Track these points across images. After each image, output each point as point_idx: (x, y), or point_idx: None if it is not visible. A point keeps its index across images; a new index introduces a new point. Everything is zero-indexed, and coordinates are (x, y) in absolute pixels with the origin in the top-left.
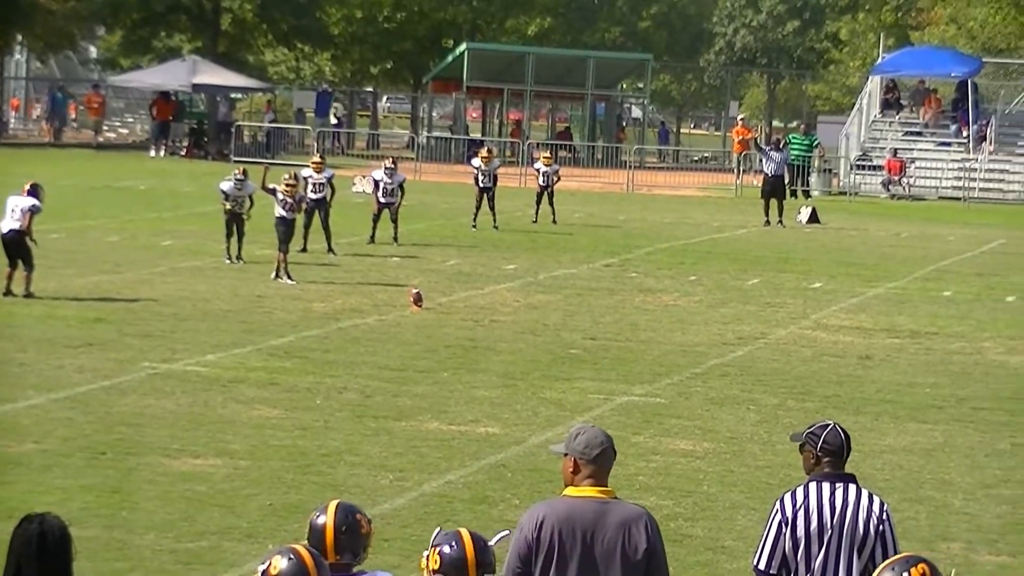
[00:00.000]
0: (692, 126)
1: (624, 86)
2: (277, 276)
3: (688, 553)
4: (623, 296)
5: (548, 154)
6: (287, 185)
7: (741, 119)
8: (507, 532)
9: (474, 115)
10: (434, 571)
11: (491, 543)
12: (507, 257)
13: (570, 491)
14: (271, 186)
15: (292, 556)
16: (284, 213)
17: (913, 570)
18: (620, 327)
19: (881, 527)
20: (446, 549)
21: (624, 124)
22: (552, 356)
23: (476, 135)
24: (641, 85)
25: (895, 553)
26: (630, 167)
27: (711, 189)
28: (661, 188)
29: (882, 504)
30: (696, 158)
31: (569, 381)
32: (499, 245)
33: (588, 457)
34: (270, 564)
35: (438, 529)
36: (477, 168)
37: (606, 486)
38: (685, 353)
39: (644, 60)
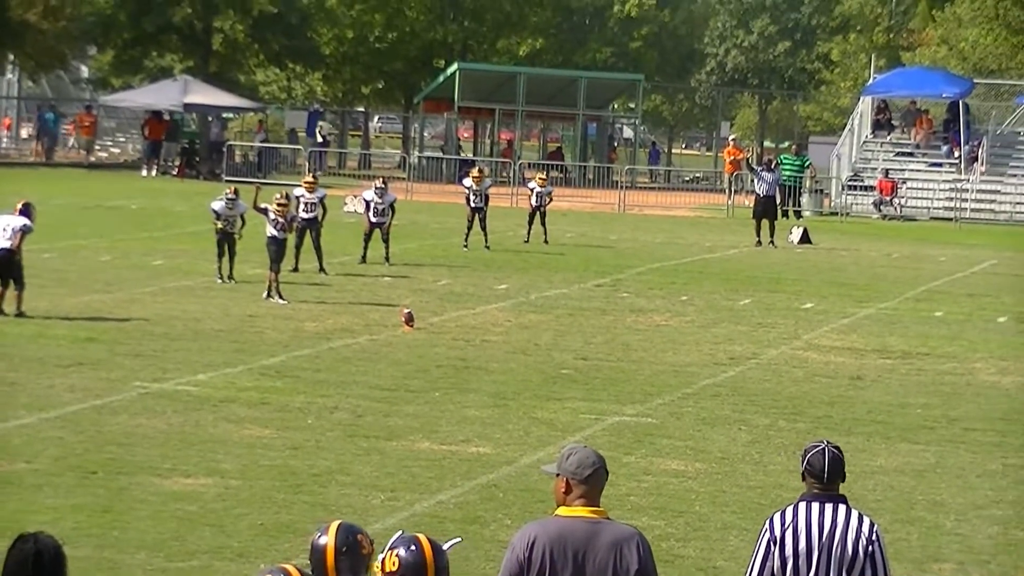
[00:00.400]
0: (683, 146)
1: (615, 106)
2: (268, 296)
3: (680, 574)
4: (614, 316)
5: (543, 175)
6: (278, 205)
7: (732, 139)
8: (459, 540)
9: (465, 135)
10: (390, 573)
11: (444, 547)
12: (498, 277)
13: (562, 511)
14: (263, 206)
15: (414, 546)
16: (275, 233)
17: None
18: (611, 347)
19: (870, 548)
20: (404, 553)
21: (616, 144)
22: (543, 376)
23: (467, 155)
24: (632, 105)
25: (884, 574)
26: (621, 187)
27: (702, 209)
28: (652, 208)
29: (872, 525)
30: (687, 178)
31: (560, 401)
32: (490, 265)
33: (580, 477)
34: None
35: (399, 532)
36: (468, 188)
37: (598, 506)
38: (676, 373)
39: (635, 80)
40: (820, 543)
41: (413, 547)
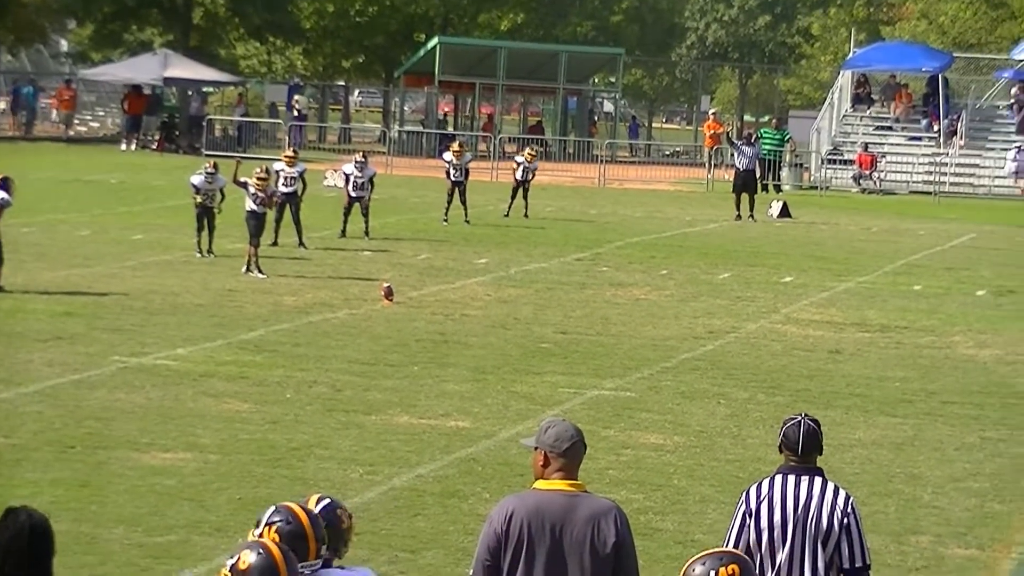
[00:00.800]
0: (664, 120)
1: (596, 80)
2: (248, 270)
3: (658, 547)
4: (594, 290)
5: (532, 149)
6: (258, 179)
7: (713, 113)
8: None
9: (446, 109)
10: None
11: None
12: (478, 251)
13: (540, 484)
14: (242, 179)
15: (261, 550)
16: (255, 207)
17: (723, 569)
18: (591, 321)
19: (846, 520)
20: (282, 524)
21: (596, 118)
22: (523, 350)
23: (448, 129)
24: (613, 79)
25: (860, 547)
26: (602, 161)
27: (682, 183)
28: (632, 182)
29: (848, 497)
30: (668, 152)
31: (540, 375)
32: (470, 239)
33: (558, 451)
34: (239, 559)
35: (272, 507)
36: (448, 162)
37: (576, 479)
38: (656, 347)
39: (616, 55)
40: (795, 516)
41: (290, 518)
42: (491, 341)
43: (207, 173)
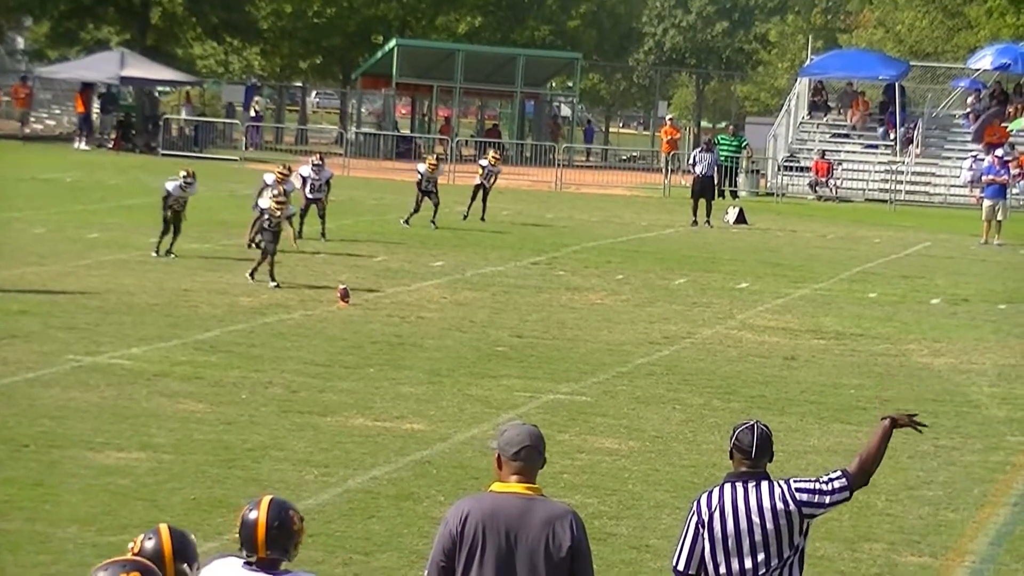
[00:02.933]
0: (621, 125)
1: (553, 84)
2: (252, 275)
3: (612, 552)
4: (550, 294)
5: (497, 153)
6: (277, 203)
7: (669, 119)
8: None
9: (403, 111)
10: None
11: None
12: (435, 254)
13: (496, 487)
14: (262, 206)
15: (153, 536)
16: (269, 228)
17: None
18: (547, 325)
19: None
20: (146, 543)
21: (559, 122)
22: (478, 353)
23: (405, 131)
24: (570, 84)
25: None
26: (558, 165)
27: (639, 188)
28: (589, 187)
29: (789, 487)
30: (624, 157)
31: (495, 378)
32: (426, 242)
33: (507, 454)
34: (136, 543)
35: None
36: (421, 175)
37: (534, 483)
38: (611, 352)
39: (573, 59)
40: (748, 523)
41: (152, 536)
42: (447, 344)
43: (184, 181)
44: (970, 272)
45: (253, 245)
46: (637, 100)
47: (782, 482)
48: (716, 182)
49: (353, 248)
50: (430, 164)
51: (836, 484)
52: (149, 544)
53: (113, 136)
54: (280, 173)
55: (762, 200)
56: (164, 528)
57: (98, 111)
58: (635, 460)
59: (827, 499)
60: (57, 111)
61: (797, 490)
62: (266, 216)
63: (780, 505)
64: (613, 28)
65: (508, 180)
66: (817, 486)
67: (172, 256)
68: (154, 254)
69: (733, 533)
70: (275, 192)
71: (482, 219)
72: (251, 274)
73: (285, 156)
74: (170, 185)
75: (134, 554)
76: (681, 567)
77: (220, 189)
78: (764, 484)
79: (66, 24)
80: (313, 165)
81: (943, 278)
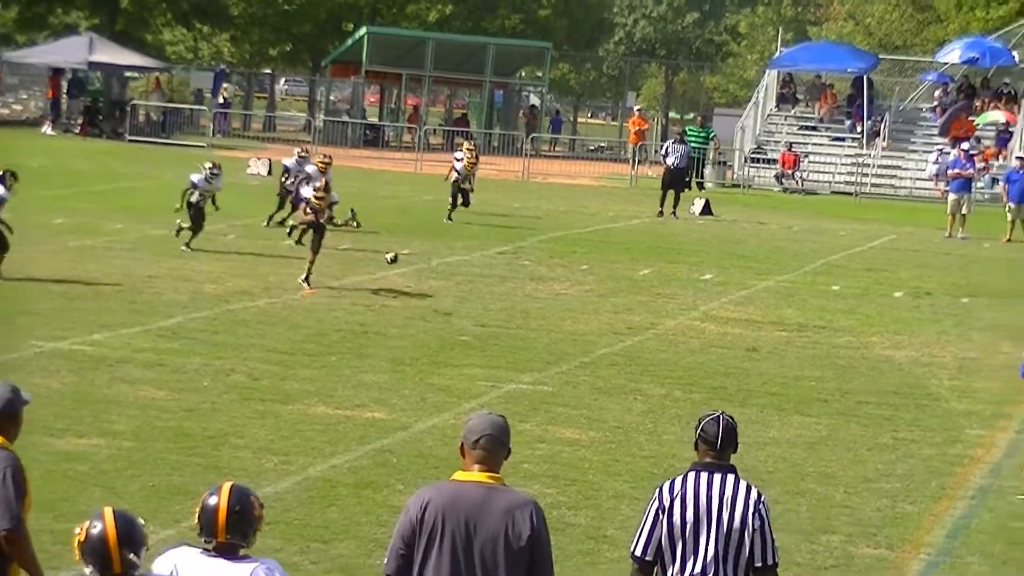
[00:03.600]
0: (589, 115)
1: (523, 74)
2: (308, 281)
3: (570, 542)
4: (514, 284)
5: (471, 145)
6: (316, 196)
7: (638, 110)
8: None
9: (372, 99)
10: (80, 543)
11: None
12: (401, 243)
13: (458, 475)
14: (303, 196)
15: (97, 521)
16: (312, 219)
17: None
18: (511, 315)
19: (756, 518)
20: (91, 530)
21: (535, 111)
22: (441, 342)
23: (373, 119)
24: (540, 73)
25: (770, 544)
26: (526, 155)
27: (606, 179)
28: (556, 177)
29: (759, 496)
30: (592, 147)
31: (458, 368)
32: (393, 230)
33: (467, 443)
34: (81, 530)
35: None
36: (456, 167)
37: (496, 472)
38: (574, 342)
39: (543, 48)
40: (708, 513)
41: (96, 520)
42: (410, 333)
43: (210, 173)
44: (934, 265)
45: (298, 240)
46: (606, 90)
47: (758, 492)
48: (687, 174)
49: None
50: (468, 158)
51: (775, 559)
52: (94, 531)
53: (80, 122)
54: (322, 163)
55: (728, 192)
56: (108, 512)
57: (65, 96)
58: (595, 450)
59: (769, 544)
60: (24, 96)
61: (764, 507)
62: (308, 208)
63: (741, 504)
64: (584, 18)
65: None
66: (771, 536)
67: (189, 250)
68: (184, 248)
69: (692, 521)
70: (316, 185)
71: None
72: (306, 280)
73: (253, 143)
74: (195, 177)
75: (79, 542)
76: (639, 552)
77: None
78: (730, 476)
79: (35, 9)
80: (298, 157)
81: (907, 271)
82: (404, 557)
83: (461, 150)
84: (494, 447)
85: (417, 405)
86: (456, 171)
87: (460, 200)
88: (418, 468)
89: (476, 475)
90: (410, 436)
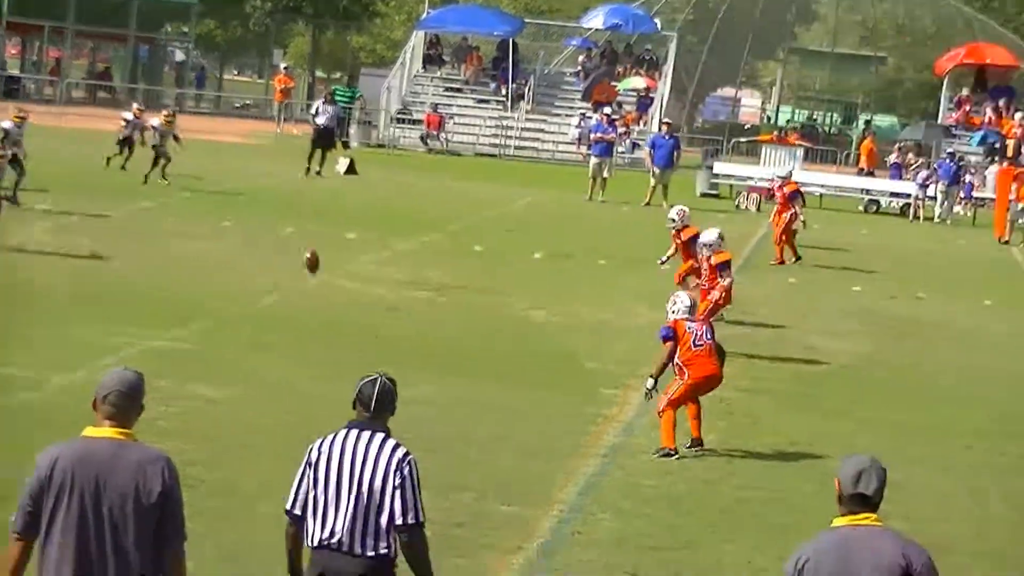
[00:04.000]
0: (235, 72)
1: (169, 29)
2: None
3: (203, 497)
4: (157, 239)
5: (169, 113)
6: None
7: (284, 68)
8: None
9: (13, 52)
10: None
11: None
12: (42, 197)
13: (88, 431)
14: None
15: None
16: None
17: None
18: (151, 271)
19: (399, 477)
20: None
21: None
22: (79, 297)
23: (14, 72)
24: (186, 29)
25: (411, 503)
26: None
27: (252, 136)
28: (201, 133)
29: (405, 455)
30: (238, 104)
31: (96, 323)
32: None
33: (99, 399)
34: None
35: None
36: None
37: (128, 428)
38: (216, 298)
39: (189, 4)
40: (351, 470)
41: None
42: (49, 283)
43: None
44: (573, 228)
45: None
46: (252, 47)
47: (405, 451)
48: (335, 134)
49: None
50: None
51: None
52: None
53: None
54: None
55: (374, 151)
56: None
57: None
58: (232, 407)
59: (412, 503)
60: None
61: (410, 465)
62: None
63: (384, 461)
64: None
65: (118, 124)
66: (414, 495)
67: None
68: None
69: (336, 478)
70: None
71: (107, 163)
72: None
73: None
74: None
75: None
76: (288, 506)
77: None
78: (378, 435)
79: None
80: (15, 118)
81: (547, 233)
82: (32, 515)
83: (130, 110)
84: (124, 403)
85: (52, 361)
86: (155, 129)
87: (162, 162)
88: (62, 424)
89: (106, 431)
90: (47, 393)
